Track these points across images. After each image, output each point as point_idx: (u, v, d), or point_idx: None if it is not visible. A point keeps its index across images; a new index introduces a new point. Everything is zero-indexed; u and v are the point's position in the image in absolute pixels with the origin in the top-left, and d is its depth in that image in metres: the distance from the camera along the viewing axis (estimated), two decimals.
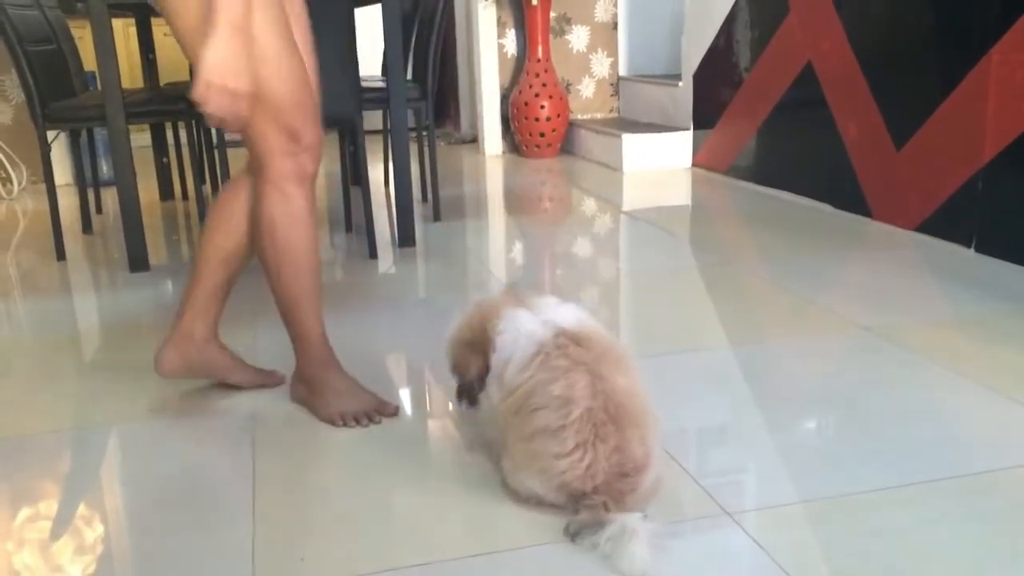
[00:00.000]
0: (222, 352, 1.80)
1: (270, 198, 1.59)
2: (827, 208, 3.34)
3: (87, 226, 3.41)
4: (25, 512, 1.41)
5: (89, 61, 3.15)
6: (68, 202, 3.51)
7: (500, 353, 1.33)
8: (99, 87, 2.73)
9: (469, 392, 1.41)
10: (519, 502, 1.32)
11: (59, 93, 3.04)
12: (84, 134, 3.59)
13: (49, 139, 2.94)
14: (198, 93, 1.41)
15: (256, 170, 1.60)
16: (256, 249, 1.66)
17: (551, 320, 1.32)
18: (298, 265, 1.63)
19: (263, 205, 1.60)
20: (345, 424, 1.64)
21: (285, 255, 1.62)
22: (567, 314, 1.35)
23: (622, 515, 1.18)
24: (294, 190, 1.59)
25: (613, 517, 1.18)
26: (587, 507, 1.21)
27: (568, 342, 1.28)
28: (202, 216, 3.15)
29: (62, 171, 4.28)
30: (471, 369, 1.38)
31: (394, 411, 1.69)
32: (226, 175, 2.73)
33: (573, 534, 1.21)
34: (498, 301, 1.41)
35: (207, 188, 3.42)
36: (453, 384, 1.49)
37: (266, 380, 1.84)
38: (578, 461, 1.21)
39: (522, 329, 1.32)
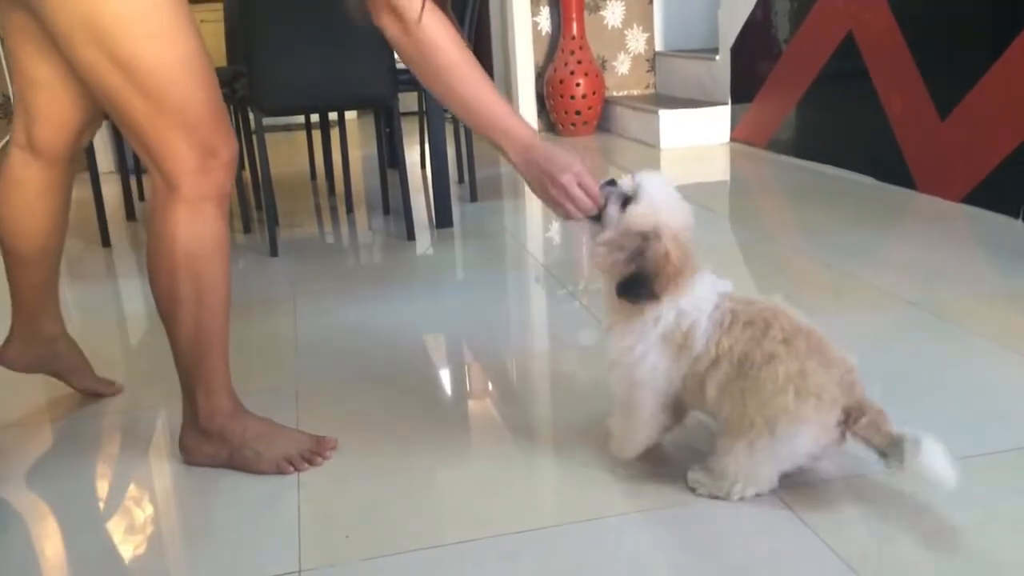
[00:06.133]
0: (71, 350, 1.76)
1: (187, 221, 1.34)
2: (870, 181, 3.28)
3: (130, 213, 3.47)
4: (78, 492, 1.45)
5: None
6: (111, 190, 3.56)
7: (678, 319, 1.25)
8: None
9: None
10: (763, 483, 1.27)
11: None
12: None
13: None
14: None
15: (163, 190, 1.35)
16: (162, 283, 1.38)
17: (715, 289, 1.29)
18: (218, 300, 1.40)
19: (178, 229, 1.34)
20: (296, 468, 1.43)
21: (207, 289, 1.38)
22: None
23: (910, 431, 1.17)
24: (214, 211, 1.36)
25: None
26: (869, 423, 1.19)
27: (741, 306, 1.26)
28: (242, 201, 3.19)
29: (105, 159, 4.34)
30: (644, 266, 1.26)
31: (335, 443, 1.51)
32: (265, 160, 2.75)
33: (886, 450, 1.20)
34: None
35: (246, 174, 3.46)
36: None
37: (104, 389, 1.79)
38: (824, 375, 1.20)
39: (704, 297, 1.27)
